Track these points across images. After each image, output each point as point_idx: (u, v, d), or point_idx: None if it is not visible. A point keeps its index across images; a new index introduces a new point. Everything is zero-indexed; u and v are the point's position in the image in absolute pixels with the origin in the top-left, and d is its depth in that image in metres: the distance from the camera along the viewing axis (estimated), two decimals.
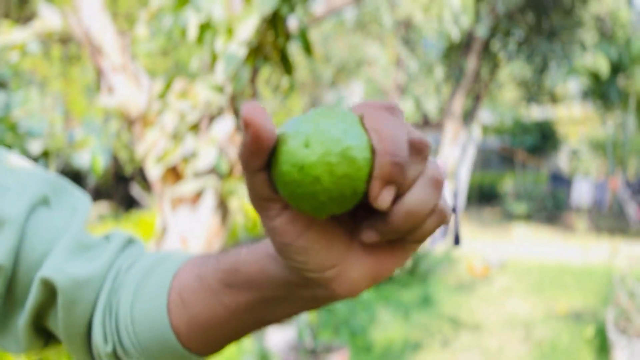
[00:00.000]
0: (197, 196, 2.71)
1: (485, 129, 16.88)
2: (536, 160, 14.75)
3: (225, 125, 2.50)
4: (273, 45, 2.16)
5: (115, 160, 7.81)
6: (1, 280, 0.56)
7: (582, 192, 9.25)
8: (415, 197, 0.38)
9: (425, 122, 15.46)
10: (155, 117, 2.72)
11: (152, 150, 2.67)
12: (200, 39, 2.32)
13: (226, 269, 0.51)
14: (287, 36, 2.17)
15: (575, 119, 16.68)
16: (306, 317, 4.02)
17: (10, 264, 0.56)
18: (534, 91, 11.75)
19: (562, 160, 15.85)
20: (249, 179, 0.39)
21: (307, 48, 2.24)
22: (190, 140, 2.52)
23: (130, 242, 0.65)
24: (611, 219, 11.11)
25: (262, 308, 0.50)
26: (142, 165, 3.23)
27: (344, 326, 4.82)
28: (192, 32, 2.27)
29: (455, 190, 6.75)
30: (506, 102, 15.53)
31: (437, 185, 0.39)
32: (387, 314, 5.34)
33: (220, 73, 2.20)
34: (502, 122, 16.98)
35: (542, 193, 12.44)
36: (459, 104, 9.86)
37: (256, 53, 2.22)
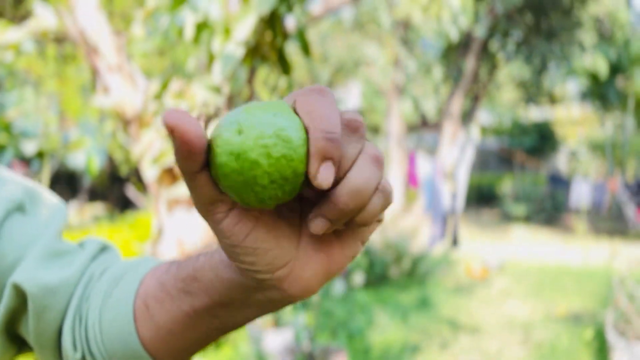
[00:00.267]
0: None
1: (484, 130, 16.88)
2: (535, 161, 14.74)
3: None
4: (271, 45, 2.13)
5: (111, 161, 7.77)
6: None
7: (581, 194, 9.23)
8: (358, 175, 0.38)
9: (424, 123, 15.45)
10: (151, 118, 2.69)
11: (148, 151, 2.64)
12: (197, 38, 2.29)
13: (184, 276, 0.51)
14: (285, 36, 2.14)
15: (574, 120, 16.68)
16: (303, 320, 3.99)
17: None
18: (532, 92, 11.74)
19: (561, 162, 15.84)
20: (191, 184, 0.38)
21: (305, 48, 2.21)
22: None
23: (104, 249, 0.65)
24: (610, 221, 11.10)
25: (221, 314, 0.50)
26: (137, 166, 3.20)
27: (341, 329, 4.79)
28: (189, 32, 2.24)
29: (454, 192, 6.73)
30: (505, 102, 15.53)
31: (378, 162, 0.39)
32: (385, 317, 5.31)
33: (218, 73, 2.17)
34: (500, 123, 16.98)
35: (541, 194, 12.42)
36: (458, 104, 9.84)
37: (254, 53, 2.19)
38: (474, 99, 10.55)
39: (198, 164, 0.37)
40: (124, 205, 10.84)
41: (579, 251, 8.81)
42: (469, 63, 9.74)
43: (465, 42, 9.98)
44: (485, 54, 10.11)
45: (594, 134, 14.32)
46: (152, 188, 2.75)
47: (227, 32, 2.13)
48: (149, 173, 2.66)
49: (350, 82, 13.99)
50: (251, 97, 2.38)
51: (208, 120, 2.44)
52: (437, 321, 5.35)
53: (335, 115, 0.37)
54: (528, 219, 12.22)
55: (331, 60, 12.31)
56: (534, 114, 16.22)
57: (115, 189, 10.82)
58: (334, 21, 12.63)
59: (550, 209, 12.24)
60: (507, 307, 5.89)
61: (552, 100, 14.09)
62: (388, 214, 10.55)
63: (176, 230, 2.99)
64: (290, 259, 0.42)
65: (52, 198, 0.66)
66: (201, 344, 0.55)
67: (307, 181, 0.38)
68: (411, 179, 8.06)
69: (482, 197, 15.31)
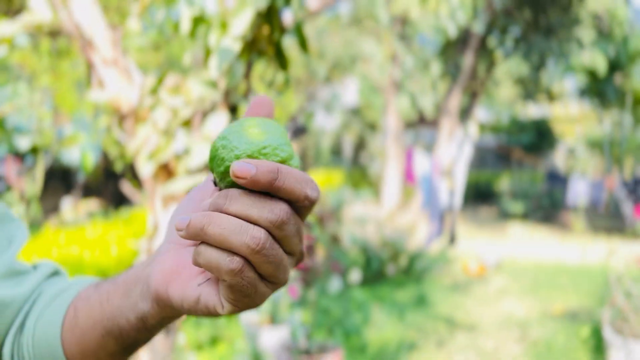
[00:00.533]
0: None
1: (482, 127, 16.87)
2: (533, 158, 14.74)
3: (219, 122, 2.43)
4: (268, 39, 2.09)
5: (105, 156, 7.72)
6: None
7: (578, 191, 9.23)
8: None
9: (421, 120, 15.43)
10: (147, 113, 2.66)
11: (143, 147, 2.61)
12: (193, 33, 2.26)
13: (102, 292, 0.57)
14: (282, 30, 2.10)
15: (572, 117, 16.69)
16: (300, 317, 3.96)
17: None
18: (530, 89, 11.72)
19: (558, 159, 15.85)
20: None
21: (303, 43, 2.17)
22: (183, 137, 2.47)
23: (56, 273, 0.69)
24: (608, 219, 11.10)
25: (125, 335, 0.55)
26: (133, 162, 3.16)
27: (338, 326, 4.77)
28: (185, 26, 2.21)
29: (451, 189, 6.71)
30: (503, 99, 15.51)
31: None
32: (382, 314, 5.29)
33: (214, 68, 2.13)
34: (498, 120, 16.97)
35: (538, 192, 12.42)
36: (456, 101, 9.82)
37: (250, 48, 2.15)
38: (472, 96, 10.53)
39: None
40: (119, 201, 10.79)
41: (576, 249, 8.81)
42: (467, 59, 9.71)
43: (463, 38, 9.95)
44: (484, 51, 10.08)
45: (592, 132, 14.33)
46: (148, 184, 2.71)
47: (223, 26, 2.10)
48: (144, 169, 2.62)
49: (347, 78, 13.95)
50: (248, 92, 2.35)
51: (204, 115, 2.41)
52: (433, 319, 5.33)
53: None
54: (525, 216, 12.22)
55: (328, 56, 12.26)
56: (532, 111, 16.22)
57: (110, 185, 10.77)
58: (331, 16, 12.59)
59: (547, 207, 12.24)
60: (504, 304, 5.88)
61: (550, 97, 14.07)
62: (386, 211, 10.54)
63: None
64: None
65: (15, 219, 0.69)
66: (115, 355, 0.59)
67: None
68: (408, 175, 8.03)
69: (479, 195, 15.32)
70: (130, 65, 2.92)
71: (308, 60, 12.06)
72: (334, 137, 17.44)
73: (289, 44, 6.38)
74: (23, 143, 3.26)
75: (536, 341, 4.73)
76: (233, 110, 2.40)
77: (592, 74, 11.40)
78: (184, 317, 0.59)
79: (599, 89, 11.82)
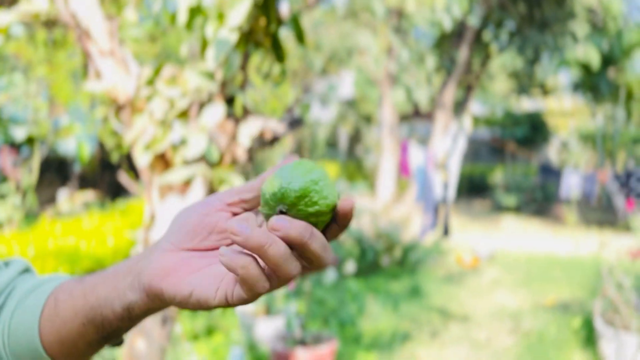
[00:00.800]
0: (187, 184, 2.66)
1: (476, 120, 16.90)
2: (526, 152, 14.79)
3: (216, 113, 2.45)
4: (265, 31, 2.11)
5: (102, 147, 7.71)
6: None
7: (571, 184, 9.28)
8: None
9: (416, 112, 15.45)
10: (143, 104, 2.67)
11: (140, 138, 2.62)
12: (189, 24, 2.26)
13: (87, 284, 0.59)
14: (279, 22, 2.12)
15: (565, 111, 16.74)
16: (295, 307, 3.99)
17: None
18: (525, 83, 11.75)
19: (552, 152, 15.91)
20: None
21: (300, 35, 2.19)
22: (180, 128, 2.48)
23: (27, 270, 0.70)
24: (600, 211, 11.18)
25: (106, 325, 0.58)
26: (129, 153, 3.17)
27: (333, 316, 4.81)
28: (182, 17, 2.22)
29: (445, 181, 6.74)
30: (497, 93, 15.55)
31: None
32: (377, 305, 5.33)
33: (211, 59, 2.15)
34: (492, 114, 17.00)
35: (531, 185, 12.48)
36: (450, 94, 9.84)
37: (247, 39, 2.17)
38: (467, 89, 10.55)
39: None
40: (115, 192, 10.78)
41: (568, 241, 8.87)
42: (462, 53, 9.73)
43: (458, 32, 9.95)
44: (479, 44, 10.09)
45: (585, 125, 14.38)
46: (144, 174, 2.73)
47: (220, 17, 2.11)
48: (141, 159, 2.64)
49: (343, 71, 13.95)
50: (244, 83, 2.36)
51: (201, 106, 2.42)
52: (427, 310, 5.38)
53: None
54: (519, 209, 12.28)
55: (324, 48, 12.25)
56: (526, 104, 16.25)
57: (106, 176, 10.75)
58: (327, 9, 12.56)
59: (540, 200, 12.31)
60: (497, 296, 5.93)
61: (544, 91, 14.12)
62: (380, 203, 10.57)
63: (168, 217, 2.97)
64: None
65: None
66: (86, 350, 0.61)
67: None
68: (403, 168, 8.07)
69: (473, 187, 15.37)
70: (127, 56, 2.92)
71: (304, 52, 12.04)
72: (329, 129, 17.44)
73: (286, 35, 6.38)
74: (19, 134, 3.26)
75: (528, 332, 4.78)
76: (229, 101, 2.41)
77: (585, 68, 11.44)
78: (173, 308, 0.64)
79: (593, 83, 11.86)
